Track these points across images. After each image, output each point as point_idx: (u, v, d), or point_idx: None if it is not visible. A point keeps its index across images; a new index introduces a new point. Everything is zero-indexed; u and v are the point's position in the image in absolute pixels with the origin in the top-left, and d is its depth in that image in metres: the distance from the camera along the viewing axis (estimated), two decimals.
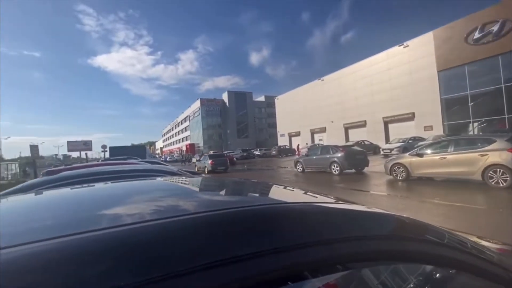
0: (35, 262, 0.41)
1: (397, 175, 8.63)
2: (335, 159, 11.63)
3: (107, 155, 24.49)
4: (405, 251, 0.61)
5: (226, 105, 69.75)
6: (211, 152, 31.22)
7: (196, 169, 19.32)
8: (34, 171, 15.89)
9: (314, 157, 13.10)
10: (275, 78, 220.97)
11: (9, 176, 25.23)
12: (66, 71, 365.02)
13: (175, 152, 73.88)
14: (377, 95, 28.02)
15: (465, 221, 4.41)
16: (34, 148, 17.04)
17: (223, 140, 68.40)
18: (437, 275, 0.74)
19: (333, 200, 0.88)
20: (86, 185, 1.41)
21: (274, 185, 1.23)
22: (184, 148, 62.56)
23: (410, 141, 18.96)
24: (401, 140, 19.91)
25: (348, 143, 22.85)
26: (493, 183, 6.44)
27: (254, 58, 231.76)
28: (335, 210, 0.77)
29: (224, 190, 1.18)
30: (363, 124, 29.89)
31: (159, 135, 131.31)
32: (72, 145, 30.00)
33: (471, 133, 20.15)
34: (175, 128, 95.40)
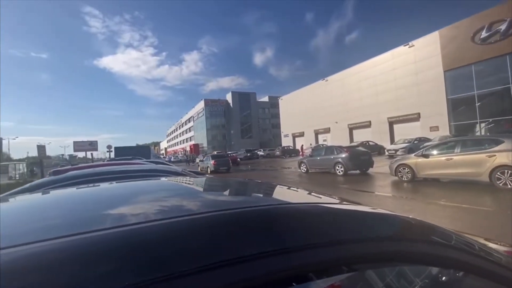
0: (41, 261, 0.41)
1: (402, 176, 8.55)
2: (339, 159, 11.57)
3: (112, 155, 24.75)
4: (410, 252, 0.60)
5: (230, 105, 69.90)
6: (215, 153, 31.36)
7: (199, 169, 19.42)
8: (41, 171, 16.11)
9: (318, 158, 13.04)
10: (279, 78, 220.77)
11: (17, 175, 25.65)
12: (73, 72, 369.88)
13: (179, 153, 74.31)
14: (382, 95, 27.79)
15: (472, 223, 4.35)
16: (41, 148, 17.27)
17: (227, 141, 68.54)
18: (444, 277, 0.73)
19: (337, 201, 0.88)
20: (92, 185, 1.43)
21: (279, 186, 1.23)
22: (188, 149, 62.92)
23: (415, 142, 18.76)
24: (406, 141, 19.71)
25: (353, 144, 22.70)
26: (500, 184, 6.33)
27: (258, 59, 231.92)
28: (339, 211, 0.77)
29: (229, 190, 1.18)
30: (367, 125, 29.66)
31: (164, 136, 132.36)
32: (78, 146, 30.36)
33: (478, 133, 19.86)
34: (179, 128, 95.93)
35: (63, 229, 0.58)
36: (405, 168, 8.49)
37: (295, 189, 1.14)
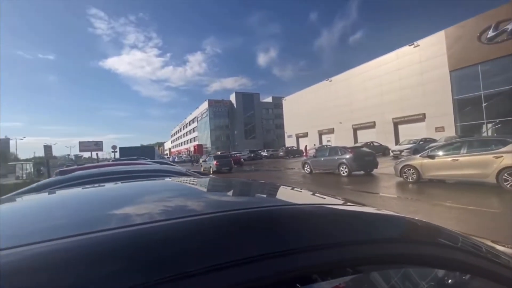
0: (48, 261, 0.41)
1: (407, 177, 8.46)
2: (344, 160, 11.50)
3: (117, 155, 24.97)
4: (416, 254, 0.59)
5: (234, 106, 70.03)
6: (219, 153, 31.46)
7: (202, 169, 19.53)
8: (48, 170, 16.32)
9: (322, 159, 12.99)
10: (283, 79, 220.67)
11: (24, 175, 26.03)
12: (79, 74, 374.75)
13: (183, 153, 74.61)
14: (386, 95, 27.57)
15: (479, 225, 4.28)
16: (48, 149, 17.50)
17: (231, 141, 68.65)
18: (450, 279, 0.73)
19: (342, 202, 0.87)
20: (98, 185, 1.44)
21: (283, 186, 1.23)
22: (192, 149, 63.15)
23: (420, 143, 18.56)
24: (411, 142, 19.51)
25: (357, 145, 22.54)
26: (508, 186, 6.23)
27: (262, 59, 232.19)
28: (344, 212, 0.76)
29: (234, 191, 1.18)
30: (372, 125, 29.45)
31: (168, 136, 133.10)
32: (83, 146, 30.70)
33: (484, 134, 19.58)
34: (183, 129, 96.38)
35: (69, 229, 0.59)
36: (410, 169, 8.41)
37: (299, 190, 1.14)
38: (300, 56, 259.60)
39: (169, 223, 0.55)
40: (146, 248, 0.46)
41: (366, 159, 11.56)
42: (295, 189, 1.18)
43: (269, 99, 76.45)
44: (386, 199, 6.62)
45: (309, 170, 13.57)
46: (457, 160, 7.19)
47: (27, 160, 47.07)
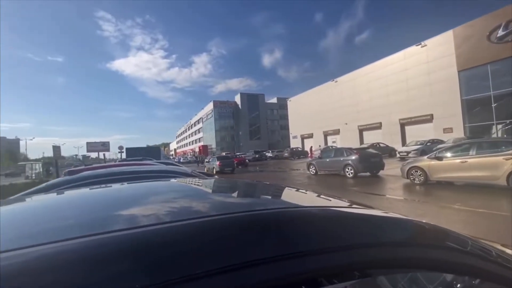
0: (56, 261, 0.42)
1: (414, 179, 8.35)
2: (349, 161, 11.41)
3: (124, 155, 25.26)
4: (424, 258, 0.59)
5: (239, 107, 70.19)
6: (224, 154, 31.59)
7: (206, 170, 19.73)
8: (56, 170, 16.61)
9: (328, 160, 12.90)
10: (288, 80, 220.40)
11: (33, 175, 26.55)
12: (87, 75, 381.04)
13: (189, 154, 75.04)
14: (393, 96, 27.27)
15: (489, 228, 4.19)
16: (56, 149, 17.82)
17: (236, 142, 68.79)
18: (458, 284, 0.71)
19: (349, 204, 0.87)
20: (106, 185, 1.46)
21: (291, 188, 1.22)
22: (197, 150, 63.45)
23: (428, 144, 18.30)
24: (418, 143, 19.25)
25: (363, 146, 22.37)
26: None
27: (267, 60, 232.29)
28: (351, 214, 0.76)
29: (241, 192, 1.18)
30: (378, 126, 29.15)
31: (173, 137, 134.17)
32: (91, 146, 31.12)
33: (494, 135, 19.19)
34: (189, 129, 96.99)
35: (77, 230, 0.59)
36: (417, 171, 8.29)
37: (305, 192, 1.14)
38: (305, 57, 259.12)
39: (175, 225, 0.55)
40: (154, 250, 0.46)
41: (372, 161, 11.44)
42: (302, 191, 1.17)
43: (274, 100, 76.40)
44: (392, 201, 6.54)
45: (314, 171, 13.50)
46: (466, 161, 7.06)
47: (36, 160, 48.00)
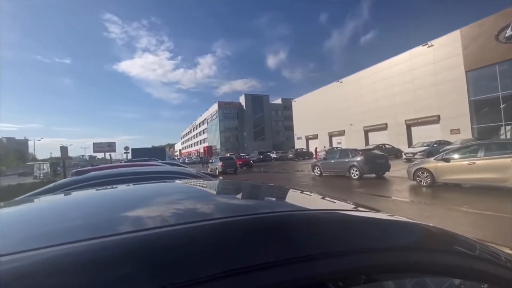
0: (61, 264, 0.42)
1: (421, 181, 8.24)
2: (355, 163, 11.32)
3: (130, 156, 25.48)
4: (431, 263, 0.58)
5: (243, 108, 70.33)
6: (228, 155, 31.67)
7: (209, 170, 19.91)
8: (64, 171, 16.87)
9: (333, 161, 12.83)
10: (292, 80, 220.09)
11: (41, 175, 27.01)
12: (93, 77, 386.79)
13: (193, 154, 75.47)
14: (399, 96, 27.01)
15: (497, 232, 4.12)
16: (64, 150, 18.10)
17: (240, 143, 68.91)
18: None
19: (356, 208, 0.86)
20: (114, 187, 1.48)
21: (296, 191, 1.22)
22: (202, 150, 63.77)
23: (435, 145, 18.06)
24: (425, 144, 19.01)
25: (368, 147, 22.19)
26: None
27: (271, 61, 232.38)
28: (358, 218, 0.75)
29: (247, 195, 1.18)
30: (384, 127, 28.89)
31: (178, 138, 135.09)
32: (97, 147, 31.48)
33: (503, 137, 18.85)
34: (194, 130, 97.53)
35: (84, 232, 0.60)
36: (424, 173, 8.19)
37: (312, 194, 1.13)
38: (310, 57, 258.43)
39: (182, 228, 0.56)
40: (159, 253, 0.46)
41: (377, 162, 11.34)
42: (308, 193, 1.17)
43: (278, 101, 76.35)
44: (398, 203, 6.47)
45: (319, 172, 13.43)
46: (474, 163, 6.95)
47: (44, 160, 48.84)
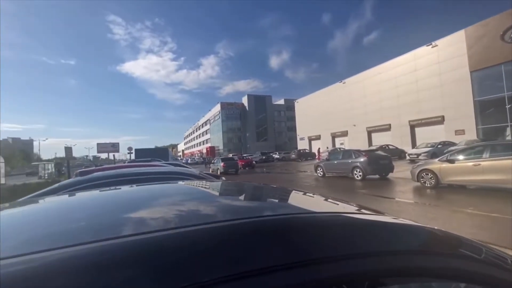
0: (64, 267, 0.42)
1: (425, 182, 8.17)
2: (358, 164, 11.27)
3: (133, 156, 25.64)
4: (437, 267, 0.57)
5: (246, 108, 70.42)
6: (230, 155, 31.73)
7: (211, 171, 20.08)
8: (68, 171, 17.02)
9: (335, 162, 12.78)
10: (295, 81, 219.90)
11: (46, 175, 27.28)
12: (97, 78, 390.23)
13: (196, 155, 75.64)
14: (402, 97, 26.85)
15: (503, 234, 4.06)
16: (68, 150, 18.25)
17: (243, 143, 68.96)
18: None
19: (361, 210, 0.85)
20: (117, 188, 1.48)
21: (301, 193, 1.22)
22: (204, 151, 63.92)
23: (439, 146, 17.91)
24: (429, 145, 18.87)
25: (372, 148, 22.08)
26: None
27: (274, 62, 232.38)
28: (364, 221, 0.74)
29: (252, 197, 1.18)
30: (387, 128, 28.72)
31: (181, 138, 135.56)
32: (101, 147, 31.74)
33: (508, 137, 18.62)
34: (196, 131, 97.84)
35: (88, 235, 0.60)
36: (428, 174, 8.12)
37: (316, 196, 1.13)
38: (313, 58, 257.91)
39: (186, 231, 0.55)
40: (163, 256, 0.45)
41: (381, 163, 11.26)
42: (312, 195, 1.16)
43: (281, 101, 76.34)
44: (402, 205, 6.42)
45: (322, 173, 13.39)
46: (479, 164, 6.87)
47: (49, 160, 49.33)
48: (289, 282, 0.44)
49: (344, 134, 34.85)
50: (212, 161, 25.77)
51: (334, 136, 36.87)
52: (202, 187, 1.40)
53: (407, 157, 19.21)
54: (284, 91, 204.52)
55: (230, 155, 32.18)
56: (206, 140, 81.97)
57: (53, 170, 29.00)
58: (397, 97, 27.48)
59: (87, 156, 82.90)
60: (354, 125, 32.73)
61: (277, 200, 1.13)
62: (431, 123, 24.27)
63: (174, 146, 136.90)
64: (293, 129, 55.43)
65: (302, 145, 43.19)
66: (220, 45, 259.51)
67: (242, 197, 1.17)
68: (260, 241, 0.54)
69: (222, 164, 19.80)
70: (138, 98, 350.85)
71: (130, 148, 27.07)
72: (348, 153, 12.52)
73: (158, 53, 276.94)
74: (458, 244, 0.72)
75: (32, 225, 0.74)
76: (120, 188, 1.41)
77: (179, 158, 73.61)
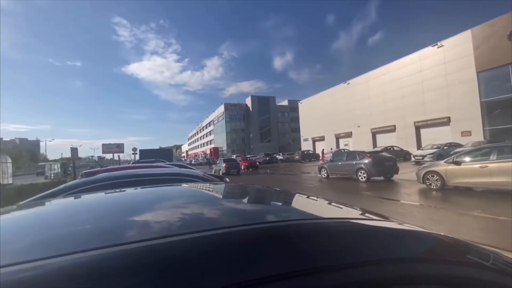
0: (72, 274, 0.41)
1: (430, 184, 8.08)
2: (362, 165, 11.19)
3: (137, 157, 25.82)
4: (446, 275, 0.56)
5: (250, 109, 70.47)
6: (234, 156, 31.82)
7: (213, 171, 20.37)
8: (74, 171, 17.24)
9: (340, 163, 12.71)
10: (299, 82, 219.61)
11: (52, 175, 27.64)
12: (103, 79, 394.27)
13: (200, 156, 75.95)
14: (407, 98, 26.59)
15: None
16: (74, 150, 18.50)
17: (246, 144, 68.98)
18: None
19: (368, 216, 0.84)
20: (122, 190, 1.48)
21: (306, 197, 1.21)
22: (208, 152, 64.13)
23: (445, 148, 17.70)
24: (435, 146, 18.64)
25: (376, 149, 21.88)
26: None
27: (278, 63, 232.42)
28: (370, 228, 0.73)
29: (259, 201, 1.17)
30: (392, 129, 28.46)
31: (185, 139, 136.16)
32: (106, 148, 32.04)
33: None
34: (200, 132, 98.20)
35: (94, 241, 0.58)
36: (434, 176, 8.02)
37: (321, 200, 1.12)
38: (317, 59, 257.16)
39: (189, 238, 0.54)
40: (166, 263, 0.45)
41: (386, 164, 11.17)
42: (317, 199, 1.16)
43: (285, 102, 76.24)
44: (407, 207, 6.35)
45: (325, 174, 13.32)
46: (486, 166, 6.77)
47: (55, 161, 49.96)
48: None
49: (348, 135, 34.64)
50: (215, 162, 26.06)
51: (338, 137, 36.66)
52: (207, 190, 1.40)
53: (412, 159, 19.02)
54: (287, 92, 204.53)
55: (234, 156, 32.26)
56: (210, 141, 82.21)
57: (59, 170, 29.37)
58: (402, 98, 27.23)
59: (92, 156, 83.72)
60: (358, 126, 32.50)
61: (281, 205, 1.12)
62: (436, 124, 23.98)
63: (178, 147, 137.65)
64: (296, 130, 55.25)
65: (305, 146, 43.03)
66: (224, 47, 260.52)
67: (247, 202, 1.16)
68: (263, 248, 0.53)
69: (224, 165, 20.47)
70: (142, 99, 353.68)
71: (134, 149, 27.26)
72: (352, 155, 12.45)
73: (162, 55, 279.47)
74: (465, 250, 0.71)
75: (38, 230, 0.74)
76: (124, 191, 1.41)
77: (183, 159, 73.92)
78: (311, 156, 33.14)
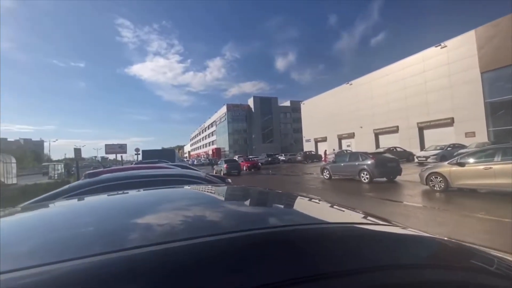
0: (74, 280, 0.41)
1: (434, 185, 8.02)
2: (365, 166, 11.13)
3: (140, 157, 25.94)
4: (449, 281, 0.56)
5: (252, 110, 70.48)
6: (237, 157, 31.85)
7: (214, 172, 20.53)
8: (77, 171, 17.35)
9: (342, 164, 12.66)
10: (301, 82, 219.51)
11: (56, 175, 27.83)
12: (106, 80, 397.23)
13: (202, 156, 76.07)
14: (411, 99, 26.45)
15: None
16: (77, 151, 18.64)
17: (248, 145, 68.99)
18: None
19: (373, 220, 0.83)
20: (126, 192, 1.48)
21: (309, 200, 1.20)
22: (210, 152, 64.23)
23: (448, 149, 17.56)
24: (438, 147, 18.50)
25: (379, 150, 21.78)
26: None
27: (280, 63, 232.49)
28: (376, 233, 0.73)
29: (265, 205, 1.16)
30: (395, 130, 28.32)
31: (187, 139, 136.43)
32: (109, 148, 32.22)
33: None
34: (202, 132, 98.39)
35: (97, 246, 0.58)
36: (437, 177, 7.96)
37: (323, 203, 1.12)
38: (319, 59, 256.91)
39: (192, 243, 0.54)
40: (173, 269, 0.44)
41: (388, 166, 11.10)
42: (319, 201, 1.15)
43: (287, 103, 76.16)
44: (410, 209, 6.30)
45: (328, 175, 13.27)
46: (491, 168, 6.70)
47: (58, 161, 50.33)
48: None
49: (351, 136, 34.52)
50: (217, 163, 26.19)
51: (340, 138, 36.55)
52: (210, 193, 1.39)
53: (416, 160, 18.88)
54: (290, 92, 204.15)
55: (236, 157, 32.28)
56: (212, 141, 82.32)
57: (63, 170, 29.56)
58: (405, 98, 27.10)
59: (95, 157, 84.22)
60: (361, 127, 32.38)
61: (285, 208, 1.12)
62: (440, 125, 23.83)
63: (181, 148, 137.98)
64: (299, 131, 55.17)
65: (308, 147, 42.94)
66: (226, 47, 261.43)
67: (250, 205, 1.15)
68: (269, 254, 0.53)
69: (225, 165, 20.81)
70: (145, 100, 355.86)
71: (137, 149, 27.39)
72: (355, 156, 12.38)
73: (165, 56, 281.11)
74: (469, 255, 0.70)
75: (41, 233, 0.74)
76: (128, 193, 1.42)
77: (185, 160, 74.07)
78: (314, 157, 33.03)
